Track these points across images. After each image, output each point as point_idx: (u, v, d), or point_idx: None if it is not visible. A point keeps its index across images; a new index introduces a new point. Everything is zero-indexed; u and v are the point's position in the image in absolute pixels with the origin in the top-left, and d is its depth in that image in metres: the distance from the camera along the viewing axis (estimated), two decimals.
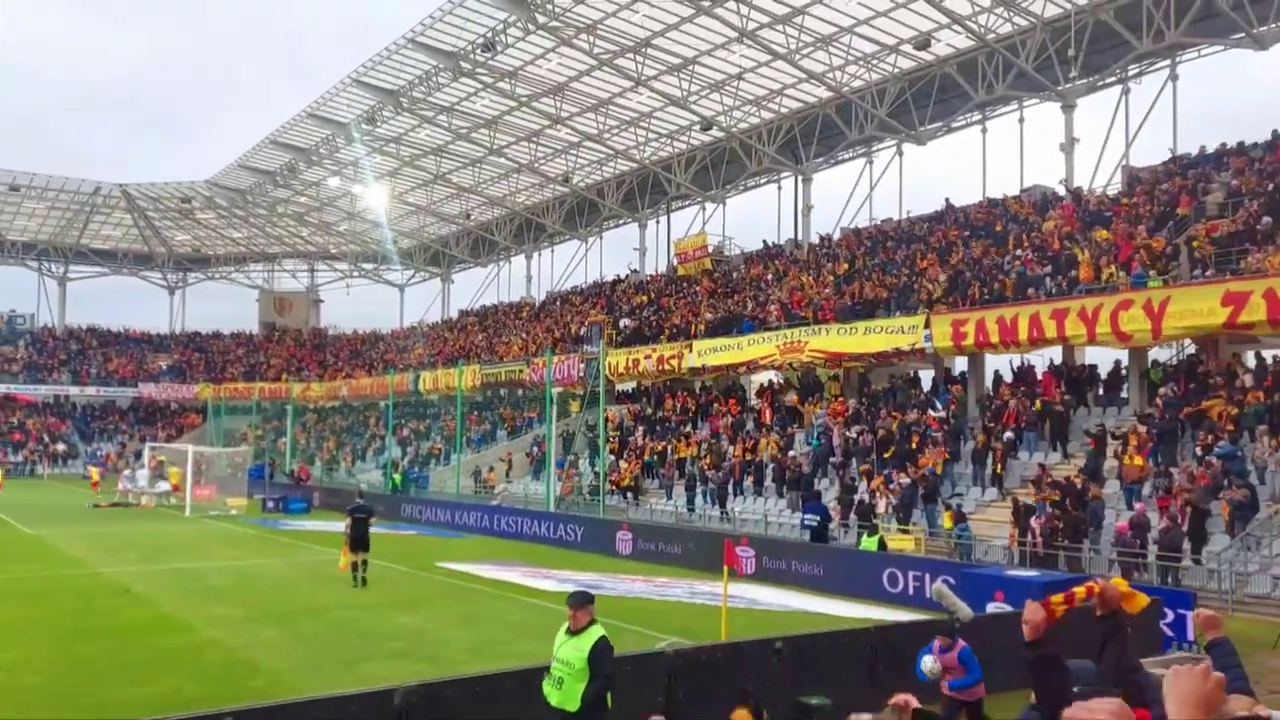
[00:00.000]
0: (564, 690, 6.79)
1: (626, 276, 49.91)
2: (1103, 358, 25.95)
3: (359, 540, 18.24)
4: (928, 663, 8.34)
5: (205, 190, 58.47)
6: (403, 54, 37.56)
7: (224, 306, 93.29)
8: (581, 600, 7.09)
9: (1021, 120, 35.71)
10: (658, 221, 50.78)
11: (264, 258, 72.18)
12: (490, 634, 14.00)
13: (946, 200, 35.12)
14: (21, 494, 40.33)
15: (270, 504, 36.57)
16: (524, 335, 47.99)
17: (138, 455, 50.95)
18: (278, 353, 68.67)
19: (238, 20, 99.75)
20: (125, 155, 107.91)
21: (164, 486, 38.55)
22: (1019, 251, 27.63)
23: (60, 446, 59.73)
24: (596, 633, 6.89)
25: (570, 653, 6.83)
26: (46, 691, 10.26)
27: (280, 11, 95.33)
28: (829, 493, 25.06)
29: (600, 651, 6.78)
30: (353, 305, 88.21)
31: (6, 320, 66.74)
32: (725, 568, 13.04)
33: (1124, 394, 24.59)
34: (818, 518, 20.98)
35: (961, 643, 8.41)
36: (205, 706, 8.28)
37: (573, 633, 6.95)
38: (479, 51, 36.10)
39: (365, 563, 18.27)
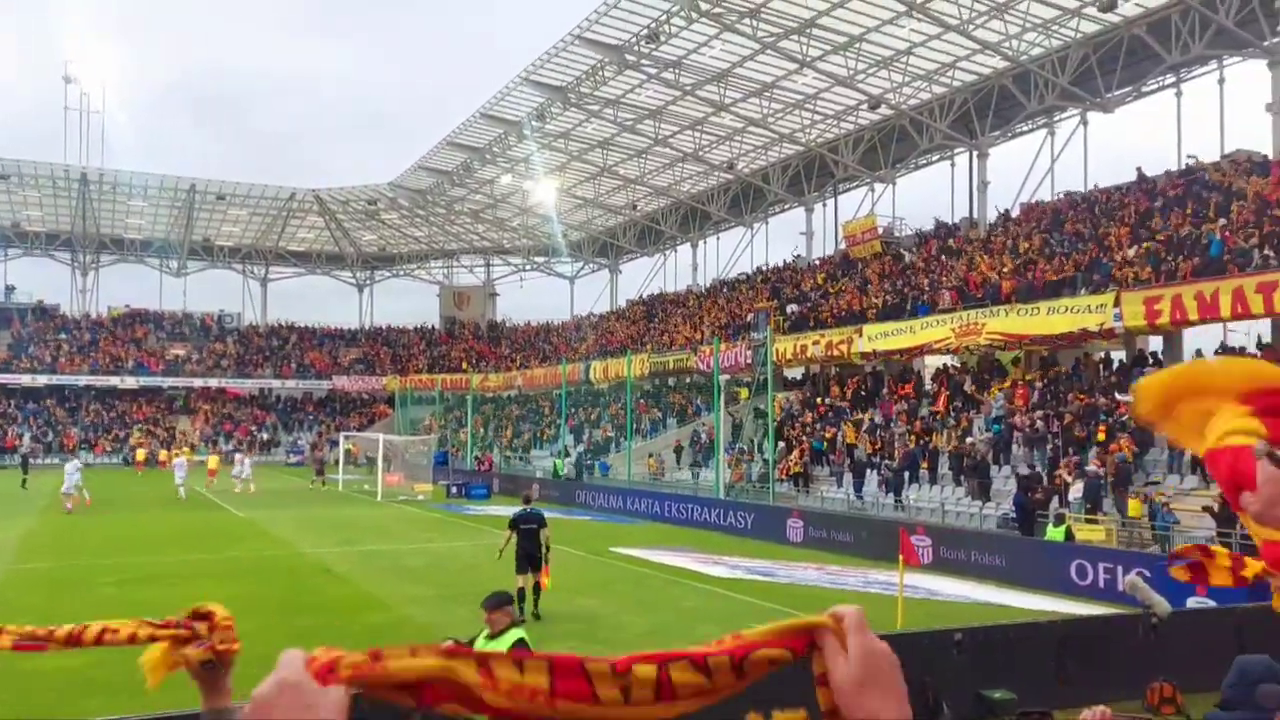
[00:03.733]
0: None
1: (792, 262, 49.41)
2: None
3: (527, 557, 13.83)
4: None
5: (389, 192, 61.90)
6: (570, 50, 38.47)
7: (408, 302, 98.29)
8: (497, 602, 6.89)
9: (1222, 81, 33.03)
10: (824, 205, 49.96)
11: (443, 254, 75.77)
12: (666, 619, 14.30)
13: (1139, 170, 32.79)
14: (230, 481, 43.96)
15: (454, 489, 38.48)
16: (691, 323, 48.33)
17: (334, 444, 54.71)
18: (457, 345, 72.05)
19: (419, 35, 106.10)
20: (340, 163, 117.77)
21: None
22: (1221, 221, 25.60)
23: (264, 436, 64.96)
24: (516, 634, 6.73)
25: None
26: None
27: (458, 24, 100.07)
28: (1010, 481, 24.10)
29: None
30: (526, 298, 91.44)
31: (216, 319, 73.02)
32: (900, 557, 12.84)
33: None
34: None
35: None
36: None
37: (491, 636, 6.75)
38: (643, 43, 36.57)
39: (538, 589, 14.00)
